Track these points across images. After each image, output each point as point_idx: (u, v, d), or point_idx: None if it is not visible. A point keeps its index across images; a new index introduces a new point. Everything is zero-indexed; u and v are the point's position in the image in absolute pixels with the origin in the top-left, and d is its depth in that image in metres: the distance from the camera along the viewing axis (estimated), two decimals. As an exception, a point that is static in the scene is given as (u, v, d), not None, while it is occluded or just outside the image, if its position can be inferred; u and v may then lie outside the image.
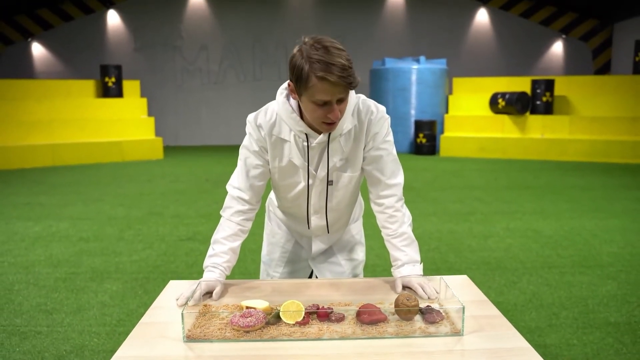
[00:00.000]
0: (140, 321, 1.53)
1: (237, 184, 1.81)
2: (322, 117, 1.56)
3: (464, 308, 1.41)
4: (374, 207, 1.85)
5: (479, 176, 9.24)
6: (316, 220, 1.89)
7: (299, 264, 2.04)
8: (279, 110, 1.69)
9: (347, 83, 1.48)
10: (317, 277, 2.05)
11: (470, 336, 1.41)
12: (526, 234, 5.32)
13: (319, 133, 1.66)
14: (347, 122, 1.67)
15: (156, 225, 5.77)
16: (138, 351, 1.35)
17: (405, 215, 1.83)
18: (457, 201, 6.99)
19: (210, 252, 1.79)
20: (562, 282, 3.95)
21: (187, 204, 6.92)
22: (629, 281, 3.97)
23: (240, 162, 1.81)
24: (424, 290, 1.67)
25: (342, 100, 1.55)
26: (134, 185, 8.45)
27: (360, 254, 2.07)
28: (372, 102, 1.74)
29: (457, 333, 1.42)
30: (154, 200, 7.20)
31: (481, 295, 1.70)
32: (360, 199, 2.09)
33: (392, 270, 1.81)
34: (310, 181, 1.77)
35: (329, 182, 1.78)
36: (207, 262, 1.77)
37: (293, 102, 1.67)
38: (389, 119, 1.77)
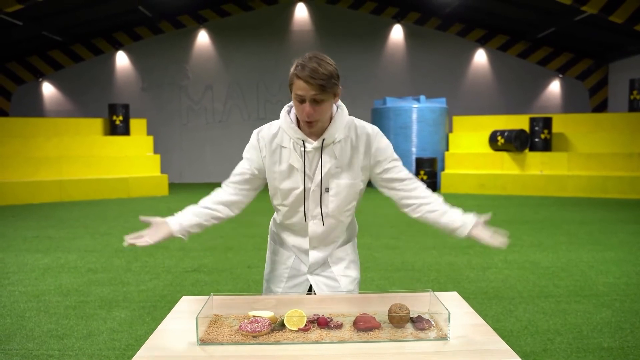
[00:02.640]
0: (157, 328, 1.69)
1: (227, 181, 2.08)
2: (301, 114, 1.86)
3: (449, 314, 1.56)
4: (414, 208, 2.02)
5: (479, 211, 9.26)
6: (314, 227, 2.06)
7: (299, 278, 2.19)
8: (281, 122, 1.98)
9: (318, 84, 1.79)
10: (315, 293, 2.19)
11: (455, 340, 1.56)
12: (524, 266, 5.44)
13: (314, 140, 1.93)
14: (338, 133, 1.95)
15: (162, 258, 5.91)
16: (157, 352, 1.50)
17: (433, 194, 2.06)
18: (456, 235, 7.12)
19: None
20: (558, 310, 4.06)
21: (192, 237, 6.98)
22: (623, 309, 4.08)
23: (238, 170, 2.07)
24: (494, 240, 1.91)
25: (318, 102, 1.82)
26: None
27: (354, 271, 2.21)
28: (366, 123, 2.03)
29: (443, 337, 1.56)
30: (160, 234, 7.34)
31: (468, 307, 1.85)
32: (354, 221, 2.26)
33: (458, 232, 1.99)
34: (308, 185, 1.98)
35: (326, 190, 1.99)
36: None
37: (292, 115, 1.96)
38: (384, 135, 2.04)
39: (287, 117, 1.97)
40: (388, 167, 2.01)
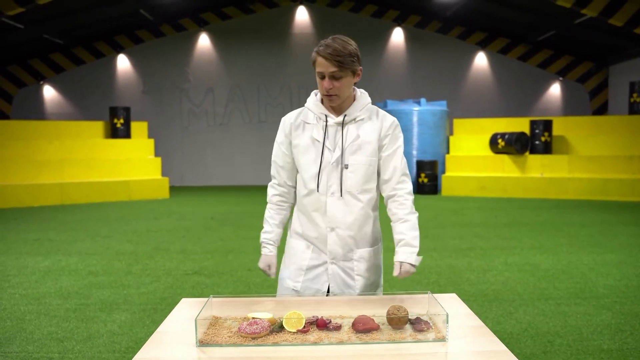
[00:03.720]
0: (156, 330, 1.69)
1: (271, 174, 2.24)
2: (321, 89, 2.03)
3: (447, 315, 1.56)
4: (389, 197, 2.14)
5: (479, 214, 9.39)
6: (332, 204, 2.07)
7: (319, 268, 2.14)
8: (308, 102, 2.15)
9: (336, 61, 1.94)
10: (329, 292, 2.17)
11: (454, 341, 1.56)
12: (524, 268, 5.44)
13: (337, 116, 2.08)
14: (360, 111, 2.09)
15: (163, 260, 5.91)
16: (156, 353, 1.51)
17: (413, 207, 2.13)
18: (457, 237, 7.13)
19: (262, 231, 2.23)
20: (558, 313, 4.06)
21: (193, 240, 7.08)
22: (624, 311, 4.08)
23: (272, 158, 2.23)
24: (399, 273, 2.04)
25: (337, 78, 1.97)
26: (141, 222, 8.63)
27: (374, 275, 2.18)
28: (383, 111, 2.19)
29: (442, 339, 1.57)
30: (161, 236, 7.36)
31: (466, 308, 1.86)
32: (378, 223, 2.22)
33: (396, 248, 2.08)
34: (327, 158, 2.07)
35: (345, 166, 2.06)
36: (262, 238, 2.22)
37: (319, 96, 2.13)
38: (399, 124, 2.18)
39: (313, 96, 2.16)
40: (391, 153, 2.10)
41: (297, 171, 2.17)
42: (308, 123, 2.11)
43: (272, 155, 2.22)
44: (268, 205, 2.25)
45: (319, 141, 2.07)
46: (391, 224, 2.13)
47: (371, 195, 2.12)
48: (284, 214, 2.23)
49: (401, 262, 2.03)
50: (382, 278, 2.25)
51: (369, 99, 2.13)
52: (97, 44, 16.06)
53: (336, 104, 2.05)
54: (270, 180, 2.27)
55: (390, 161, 2.10)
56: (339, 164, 2.06)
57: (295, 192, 2.21)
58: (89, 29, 14.90)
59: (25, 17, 12.36)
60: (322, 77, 1.99)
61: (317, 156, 2.07)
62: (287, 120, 2.17)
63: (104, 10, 13.70)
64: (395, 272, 2.04)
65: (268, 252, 2.20)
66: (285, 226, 2.29)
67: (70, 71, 16.07)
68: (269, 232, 2.21)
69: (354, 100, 2.10)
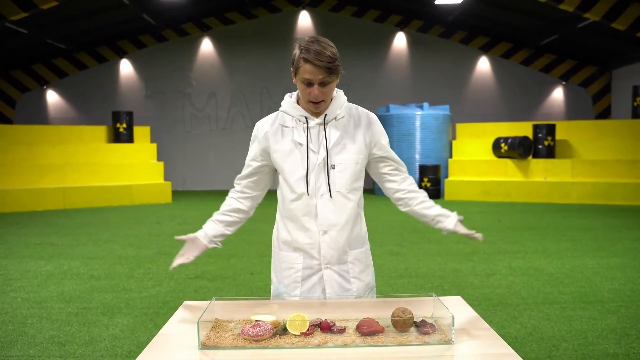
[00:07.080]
0: (158, 332, 1.67)
1: (240, 188, 2.18)
2: (308, 96, 1.93)
3: (453, 317, 1.54)
4: (400, 194, 2.14)
5: (483, 218, 9.35)
6: (323, 206, 2.01)
7: (314, 276, 2.08)
8: (283, 105, 2.07)
9: (326, 67, 1.87)
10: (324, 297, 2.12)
11: (460, 344, 1.54)
12: (528, 272, 5.41)
13: (316, 117, 2.02)
14: (339, 111, 2.04)
15: (165, 264, 5.89)
16: (158, 356, 1.49)
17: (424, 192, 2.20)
18: (460, 242, 7.09)
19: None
20: (563, 317, 4.03)
21: (195, 244, 7.05)
22: (629, 315, 4.05)
23: (248, 163, 2.15)
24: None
25: (325, 84, 1.91)
26: (143, 226, 8.61)
27: (369, 276, 2.15)
28: (361, 107, 2.14)
29: (448, 342, 1.55)
30: (163, 240, 7.35)
31: (472, 311, 1.83)
32: (364, 224, 2.19)
33: (444, 224, 2.14)
34: (313, 160, 2.00)
35: (332, 167, 2.02)
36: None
37: (294, 97, 2.07)
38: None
39: (288, 99, 2.07)
40: (386, 154, 2.10)
41: (278, 178, 2.12)
42: (286, 127, 2.04)
43: (246, 160, 2.13)
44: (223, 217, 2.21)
45: (301, 144, 2.01)
46: (411, 206, 2.13)
47: (359, 193, 2.10)
48: (232, 229, 2.21)
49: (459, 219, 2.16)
50: (375, 279, 2.20)
51: (345, 97, 2.09)
52: (100, 49, 16.10)
53: (322, 109, 1.99)
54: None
55: (389, 153, 2.12)
56: (325, 165, 2.01)
57: (250, 206, 2.19)
58: (92, 33, 14.94)
59: (29, 22, 12.40)
60: (309, 84, 1.91)
61: (303, 159, 2.01)
62: (262, 127, 2.07)
63: (107, 15, 13.74)
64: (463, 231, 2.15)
65: (198, 235, 2.19)
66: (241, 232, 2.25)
67: (73, 76, 16.11)
68: (209, 224, 2.22)
69: (332, 99, 2.04)
